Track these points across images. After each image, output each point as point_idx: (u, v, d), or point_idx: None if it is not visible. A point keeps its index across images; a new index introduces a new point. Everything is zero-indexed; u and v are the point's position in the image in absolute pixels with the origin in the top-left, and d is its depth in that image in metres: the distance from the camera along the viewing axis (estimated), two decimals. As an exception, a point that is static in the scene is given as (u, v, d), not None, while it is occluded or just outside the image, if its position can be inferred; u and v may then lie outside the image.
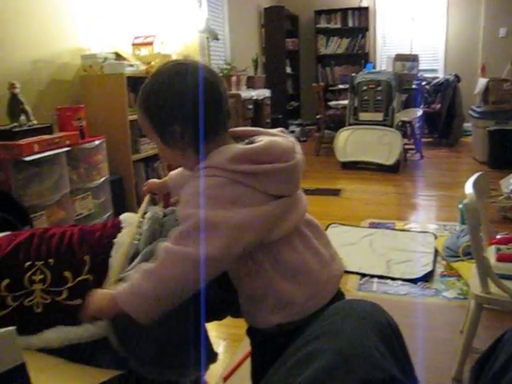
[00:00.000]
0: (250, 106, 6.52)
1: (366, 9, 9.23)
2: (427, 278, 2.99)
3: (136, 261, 1.33)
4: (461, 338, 2.07)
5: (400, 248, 3.49)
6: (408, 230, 3.90)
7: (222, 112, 1.19)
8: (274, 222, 1.14)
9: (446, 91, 7.56)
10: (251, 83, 7.23)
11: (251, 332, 1.31)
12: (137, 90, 3.94)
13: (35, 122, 3.01)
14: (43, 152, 2.87)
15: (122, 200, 3.88)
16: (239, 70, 6.87)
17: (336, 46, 9.59)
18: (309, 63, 9.77)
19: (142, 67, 4.17)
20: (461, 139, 7.85)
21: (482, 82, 6.52)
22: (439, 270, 3.11)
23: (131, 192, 3.95)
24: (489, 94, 6.29)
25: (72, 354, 1.32)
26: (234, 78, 6.41)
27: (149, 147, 4.21)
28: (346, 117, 6.52)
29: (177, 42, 5.31)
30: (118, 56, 4.14)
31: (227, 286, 1.27)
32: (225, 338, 2.43)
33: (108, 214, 3.64)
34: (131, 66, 4.00)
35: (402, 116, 6.38)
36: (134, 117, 3.81)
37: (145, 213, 1.53)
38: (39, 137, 2.92)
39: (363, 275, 3.07)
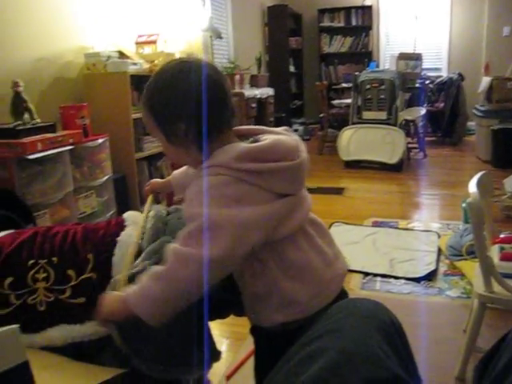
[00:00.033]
0: (254, 105, 6.52)
1: (370, 7, 9.21)
2: (430, 276, 2.99)
3: (139, 259, 1.32)
4: (464, 337, 2.06)
5: (403, 247, 3.49)
6: (411, 229, 3.89)
7: (226, 110, 1.18)
8: (279, 221, 1.14)
9: (450, 90, 7.55)
10: (254, 82, 7.23)
11: (255, 330, 1.31)
12: (140, 88, 3.94)
13: (39, 120, 3.02)
14: (47, 150, 2.87)
15: (126, 198, 3.89)
16: (242, 69, 6.86)
17: (339, 44, 9.57)
18: (312, 62, 9.75)
19: (146, 66, 4.17)
20: (464, 138, 7.83)
21: (485, 80, 6.50)
22: (442, 268, 3.11)
23: (134, 190, 3.95)
24: (492, 92, 6.27)
25: (75, 352, 1.32)
26: (237, 77, 6.41)
27: (152, 145, 4.21)
28: (350, 115, 6.52)
29: (180, 40, 5.31)
30: (122, 54, 4.14)
31: (230, 284, 1.27)
32: (228, 337, 2.43)
33: (111, 212, 3.64)
34: (134, 64, 4.00)
35: (405, 115, 6.37)
36: (138, 115, 3.81)
37: (148, 212, 1.53)
38: (43, 135, 2.92)
39: (366, 274, 3.07)
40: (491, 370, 1.06)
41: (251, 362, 1.36)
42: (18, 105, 2.93)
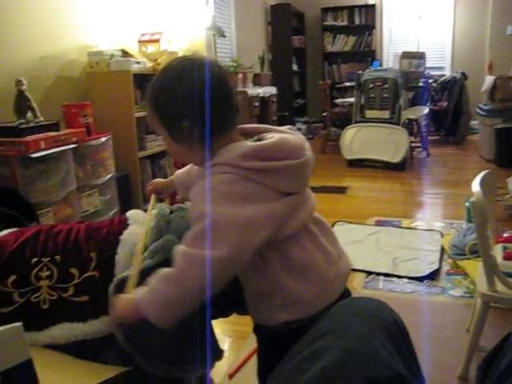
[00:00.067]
0: (257, 104, 6.51)
1: (373, 6, 9.20)
2: (433, 276, 2.98)
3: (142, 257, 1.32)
4: (467, 336, 2.06)
5: (406, 246, 3.48)
6: (414, 228, 3.88)
7: (231, 106, 1.18)
8: (283, 220, 1.14)
9: (453, 89, 7.53)
10: (257, 80, 7.23)
11: (258, 329, 1.31)
12: (143, 87, 3.95)
13: (42, 118, 3.02)
14: (50, 149, 2.88)
15: (128, 197, 3.89)
16: (245, 68, 6.86)
17: (343, 43, 9.56)
18: (315, 61, 9.75)
19: (149, 64, 4.18)
20: (467, 137, 7.82)
21: (489, 79, 6.49)
22: (445, 268, 3.10)
23: (137, 189, 3.96)
24: (496, 91, 6.26)
25: (78, 350, 1.32)
26: (240, 76, 6.41)
27: (155, 144, 4.22)
28: (353, 114, 6.51)
29: (183, 39, 5.31)
30: (125, 53, 4.14)
31: (233, 283, 1.27)
32: (230, 336, 2.43)
33: (114, 210, 3.65)
34: (138, 63, 4.01)
35: (408, 114, 6.36)
36: (141, 114, 3.82)
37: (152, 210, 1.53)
38: (46, 133, 2.93)
39: (369, 273, 3.07)
40: (494, 369, 1.05)
41: (254, 361, 1.36)
42: (22, 103, 2.93)
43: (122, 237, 1.41)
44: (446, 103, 7.65)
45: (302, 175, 1.17)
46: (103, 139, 3.51)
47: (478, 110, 6.51)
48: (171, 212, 1.52)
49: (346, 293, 1.27)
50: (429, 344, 2.24)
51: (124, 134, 3.83)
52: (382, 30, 9.29)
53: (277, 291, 1.18)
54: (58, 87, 3.65)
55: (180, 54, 4.46)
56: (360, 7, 9.34)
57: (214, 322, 1.35)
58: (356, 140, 6.23)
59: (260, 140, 1.17)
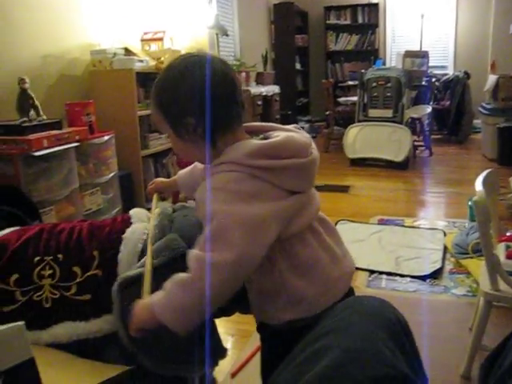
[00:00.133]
0: (260, 102, 6.51)
1: (376, 5, 9.20)
2: (436, 275, 2.98)
3: (144, 257, 1.32)
4: (470, 335, 2.06)
5: (409, 245, 3.48)
6: (417, 227, 3.88)
7: (235, 103, 1.17)
8: (289, 218, 1.13)
9: (456, 88, 7.53)
10: (260, 79, 7.23)
11: (261, 328, 1.30)
12: (146, 85, 3.95)
13: (44, 117, 3.02)
14: (52, 147, 2.88)
15: (131, 195, 3.89)
16: (248, 66, 6.87)
17: (346, 42, 9.56)
18: (318, 59, 9.74)
19: (152, 63, 4.18)
20: (470, 136, 7.81)
21: (491, 78, 6.48)
22: (448, 267, 3.10)
23: (140, 187, 3.96)
24: (498, 90, 6.25)
25: (80, 349, 1.32)
26: (243, 74, 6.42)
27: (158, 143, 4.22)
28: (356, 113, 6.50)
29: (186, 37, 5.31)
30: (128, 51, 4.14)
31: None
32: (233, 334, 2.44)
33: (117, 209, 3.65)
34: (140, 61, 4.00)
35: (411, 113, 6.36)
36: (143, 112, 3.82)
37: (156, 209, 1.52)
38: (48, 132, 2.93)
39: (372, 272, 3.07)
40: (497, 368, 1.06)
41: (256, 360, 1.36)
42: (24, 102, 2.93)
43: (124, 235, 1.41)
44: (448, 102, 7.65)
45: (308, 174, 1.17)
46: (106, 138, 3.51)
47: (480, 108, 6.50)
48: (174, 211, 1.52)
49: (351, 292, 1.26)
50: (431, 343, 2.24)
51: (127, 132, 3.83)
52: (385, 28, 9.28)
53: (282, 291, 1.17)
54: (61, 85, 3.65)
55: (183, 53, 4.49)
56: (363, 6, 9.33)
57: (218, 321, 1.35)
58: (359, 139, 6.22)
59: (266, 138, 1.17)
